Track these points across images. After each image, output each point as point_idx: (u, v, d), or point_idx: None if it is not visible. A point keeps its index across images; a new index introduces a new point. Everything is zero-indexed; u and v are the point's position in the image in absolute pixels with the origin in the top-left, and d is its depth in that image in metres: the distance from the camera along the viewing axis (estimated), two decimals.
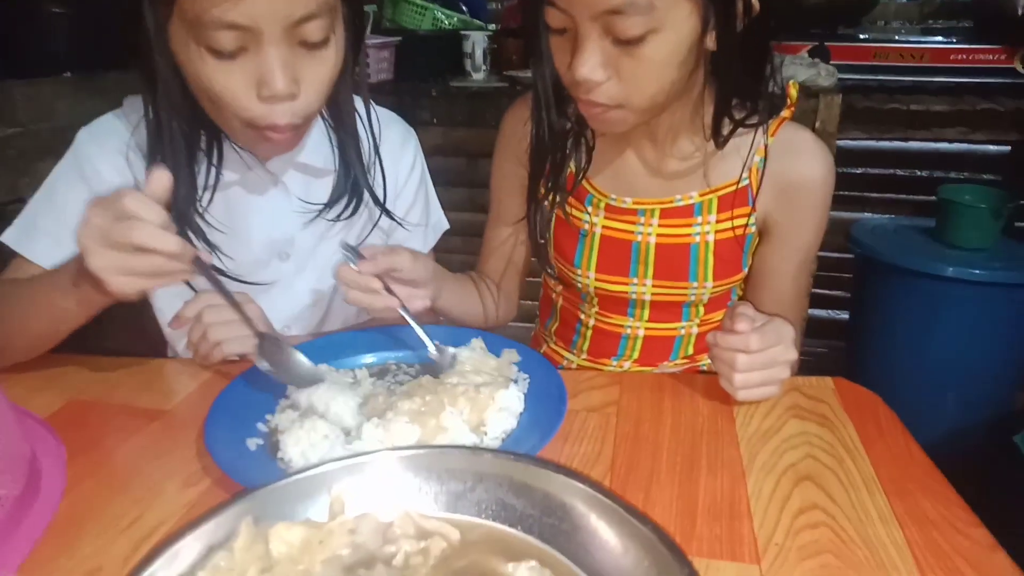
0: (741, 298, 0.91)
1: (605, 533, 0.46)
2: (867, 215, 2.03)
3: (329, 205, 0.82)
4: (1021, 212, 1.88)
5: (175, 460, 0.61)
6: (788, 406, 0.67)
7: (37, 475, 0.59)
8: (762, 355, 0.64)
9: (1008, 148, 1.93)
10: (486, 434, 0.61)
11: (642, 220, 0.85)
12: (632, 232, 0.85)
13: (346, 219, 0.83)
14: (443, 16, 2.00)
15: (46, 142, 0.82)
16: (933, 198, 1.78)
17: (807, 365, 0.93)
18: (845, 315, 2.04)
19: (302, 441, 0.58)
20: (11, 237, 0.77)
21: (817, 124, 1.72)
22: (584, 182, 0.86)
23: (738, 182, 0.82)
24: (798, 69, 1.70)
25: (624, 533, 0.45)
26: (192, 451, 0.62)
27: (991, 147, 1.95)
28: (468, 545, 0.49)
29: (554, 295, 0.98)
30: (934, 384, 1.77)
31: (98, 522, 0.55)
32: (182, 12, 0.63)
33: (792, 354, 0.66)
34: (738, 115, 0.77)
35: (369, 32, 1.97)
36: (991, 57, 1.74)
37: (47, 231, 0.76)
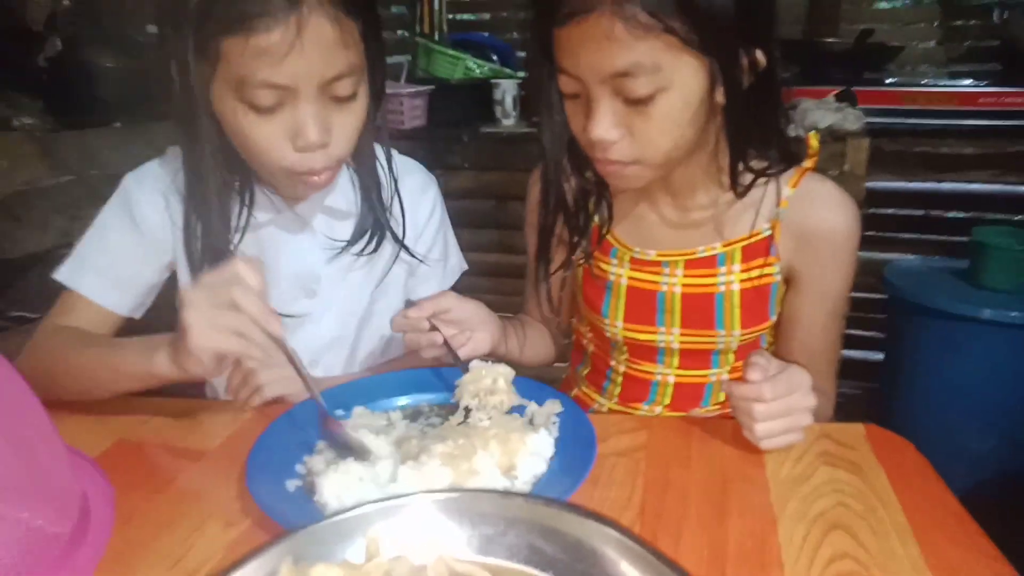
0: (771, 344, 0.91)
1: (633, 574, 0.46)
2: (899, 256, 2.01)
3: (352, 242, 0.88)
4: None
5: (217, 500, 0.63)
6: (818, 452, 0.67)
7: (87, 514, 0.61)
8: (779, 403, 0.64)
9: None
10: (517, 478, 0.62)
11: (667, 271, 0.86)
12: (658, 283, 0.87)
13: (368, 255, 0.89)
14: (474, 65, 2.06)
15: (96, 189, 0.88)
16: (965, 239, 1.77)
17: (840, 408, 0.93)
18: (879, 356, 2.01)
19: (338, 484, 0.60)
20: (64, 274, 0.83)
21: (845, 167, 1.73)
22: (609, 236, 0.89)
23: (760, 232, 0.83)
24: (825, 114, 1.72)
25: (651, 573, 0.45)
26: (233, 492, 0.64)
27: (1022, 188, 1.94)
28: None
29: (585, 341, 1.00)
30: (971, 426, 1.73)
31: (144, 561, 0.57)
32: (227, 72, 0.69)
33: (811, 401, 0.66)
34: (756, 165, 0.78)
35: (404, 81, 2.06)
36: (1020, 100, 1.74)
37: (97, 267, 0.83)
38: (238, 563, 0.47)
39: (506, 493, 0.57)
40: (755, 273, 0.83)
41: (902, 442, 0.70)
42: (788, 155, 0.81)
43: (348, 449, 0.65)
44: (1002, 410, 1.70)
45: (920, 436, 1.92)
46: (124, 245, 0.84)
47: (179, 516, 0.62)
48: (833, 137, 1.71)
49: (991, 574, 0.52)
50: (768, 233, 0.83)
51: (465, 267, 1.03)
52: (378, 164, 0.89)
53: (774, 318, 0.86)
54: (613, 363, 0.95)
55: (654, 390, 0.92)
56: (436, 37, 2.24)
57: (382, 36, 0.80)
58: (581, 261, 0.90)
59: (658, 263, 0.86)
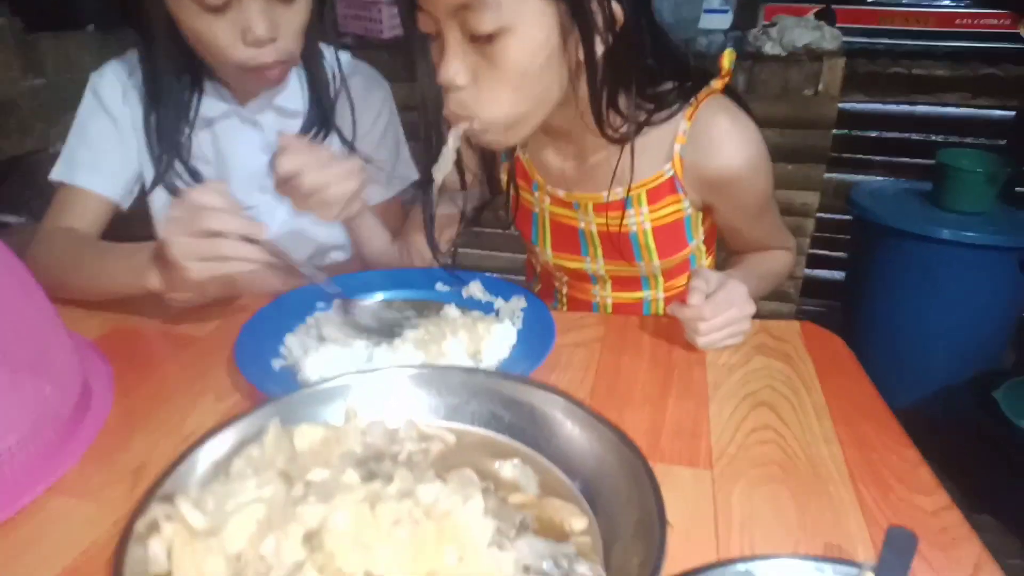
0: (708, 254, 0.94)
1: (578, 437, 0.54)
2: (868, 178, 2.07)
3: (303, 134, 0.93)
4: (1020, 177, 1.92)
5: (209, 378, 0.69)
6: (756, 344, 0.75)
7: (88, 389, 0.68)
8: (719, 319, 0.70)
9: (1013, 113, 1.95)
10: (482, 361, 0.69)
11: (579, 211, 0.87)
12: (576, 219, 0.88)
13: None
14: None
15: (72, 93, 0.91)
16: (934, 162, 1.82)
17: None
18: (840, 275, 2.10)
19: (319, 362, 0.66)
20: (58, 173, 0.91)
21: (820, 87, 1.76)
22: (529, 169, 0.90)
23: (663, 174, 0.81)
24: (803, 32, 1.73)
25: (593, 437, 0.52)
26: (224, 371, 0.70)
27: (996, 112, 1.97)
28: (463, 447, 0.57)
29: (533, 260, 1.04)
30: (926, 343, 1.84)
31: (144, 428, 0.63)
32: None
33: (749, 308, 0.72)
34: (638, 115, 0.76)
35: None
36: (996, 22, 1.76)
37: (85, 160, 0.91)
38: (231, 421, 0.54)
39: (470, 369, 0.63)
40: (666, 211, 0.84)
41: (832, 337, 0.77)
42: (692, 87, 0.78)
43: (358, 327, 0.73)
44: (958, 327, 1.80)
45: (880, 351, 2.04)
46: (104, 136, 0.91)
47: (174, 392, 0.68)
48: (810, 56, 1.73)
49: (892, 445, 0.60)
50: (671, 174, 0.81)
51: (414, 177, 1.05)
52: (326, 64, 0.94)
53: (693, 243, 0.88)
54: (557, 284, 1.00)
55: (596, 309, 0.98)
56: None
57: None
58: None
59: (569, 203, 0.88)
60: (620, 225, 0.85)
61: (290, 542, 0.44)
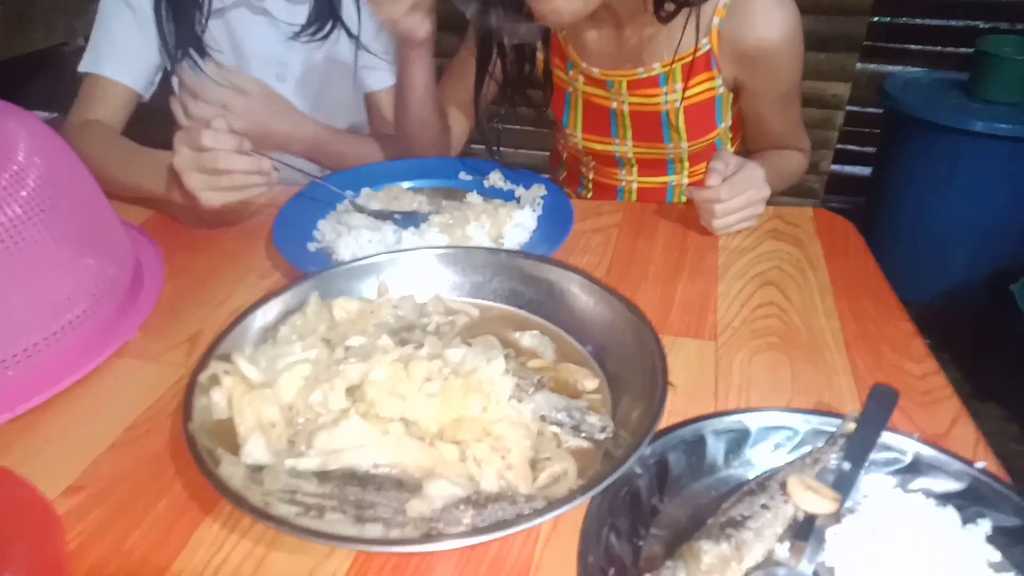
0: (733, 141, 0.97)
1: (591, 309, 0.58)
2: (903, 68, 2.00)
3: (307, 25, 0.94)
4: None
5: (251, 259, 0.75)
6: (768, 229, 0.77)
7: (140, 267, 0.73)
8: (735, 201, 0.73)
9: None
10: (503, 244, 0.72)
11: (612, 90, 0.89)
12: (608, 99, 0.90)
13: (321, 39, 0.95)
14: None
15: None
16: (974, 50, 1.75)
17: None
18: (869, 171, 2.07)
19: (351, 244, 0.71)
20: (86, 65, 0.94)
21: None
22: (565, 48, 0.90)
23: (700, 48, 0.83)
24: None
25: (605, 308, 0.57)
26: (263, 253, 0.75)
27: None
28: (486, 320, 0.62)
29: (560, 147, 1.06)
30: (949, 238, 1.83)
31: (195, 301, 0.69)
32: None
33: (765, 192, 0.74)
34: None
35: None
36: None
37: (109, 51, 0.94)
38: (275, 292, 0.59)
39: (493, 249, 0.67)
40: (698, 90, 0.86)
41: (843, 222, 0.79)
42: None
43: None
44: (981, 222, 1.79)
45: (901, 246, 2.03)
46: (125, 26, 0.94)
47: (219, 271, 0.74)
48: None
49: (890, 318, 0.63)
50: (707, 48, 0.83)
51: None
52: None
53: (722, 125, 0.90)
54: (583, 170, 1.03)
55: (621, 194, 1.00)
56: None
57: None
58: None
59: (603, 81, 0.89)
60: (654, 103, 0.87)
61: (335, 394, 0.50)
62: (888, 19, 1.95)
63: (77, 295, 0.61)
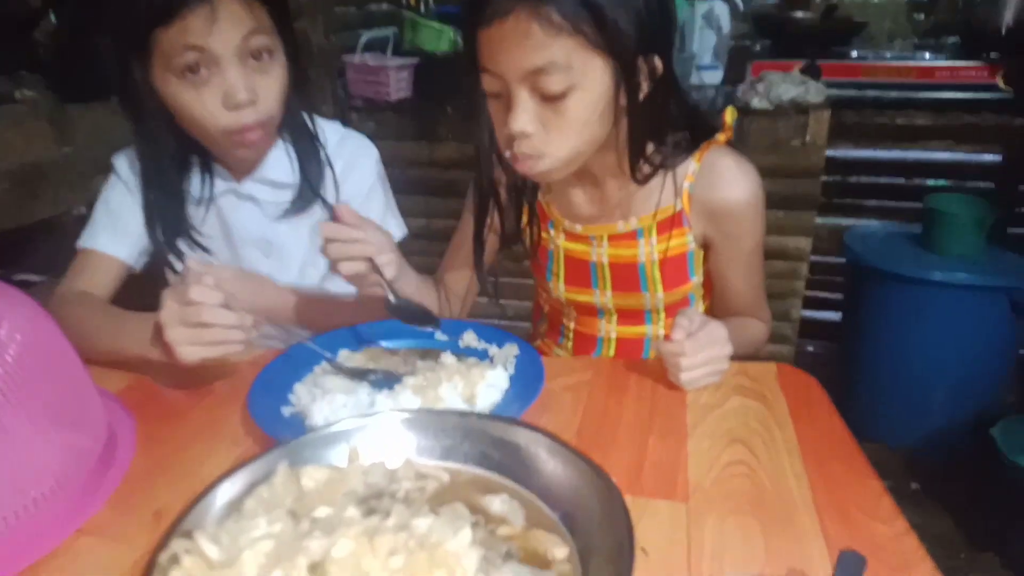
0: (704, 299, 1.03)
1: (560, 473, 0.58)
2: (861, 222, 2.13)
3: (292, 206, 1.01)
4: (1009, 219, 1.97)
5: (225, 426, 0.75)
6: (733, 385, 0.79)
7: (114, 438, 0.73)
8: (700, 356, 0.76)
9: (999, 157, 2.01)
10: (476, 405, 0.74)
11: (594, 243, 0.98)
12: (588, 253, 0.99)
13: (309, 216, 1.02)
14: (459, 39, 2.14)
15: (98, 161, 1.01)
16: (923, 206, 1.88)
17: (801, 364, 1.03)
18: (838, 316, 2.14)
19: (326, 409, 0.71)
20: (84, 241, 1.00)
21: (807, 138, 1.83)
22: (547, 210, 1.01)
23: (672, 207, 0.92)
24: (789, 87, 1.81)
25: (573, 472, 0.57)
26: (238, 419, 0.76)
27: (983, 156, 2.04)
28: (456, 485, 0.62)
29: (542, 301, 1.12)
30: (923, 383, 1.86)
31: (164, 474, 0.69)
32: (161, 57, 0.83)
33: (728, 350, 0.78)
34: (655, 158, 0.87)
35: (390, 54, 2.14)
36: (974, 74, 1.83)
37: (105, 227, 1.00)
38: (243, 464, 0.59)
39: (463, 412, 0.68)
40: (671, 243, 0.94)
41: (807, 379, 0.82)
42: (700, 135, 0.90)
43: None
44: (952, 367, 1.82)
45: (876, 393, 2.06)
46: (122, 204, 1.00)
47: (192, 440, 0.74)
48: (796, 109, 1.81)
49: (857, 478, 0.64)
50: (679, 208, 0.92)
51: (404, 232, 1.12)
52: (312, 135, 1.02)
53: (695, 279, 0.97)
54: (565, 320, 1.07)
55: (600, 344, 1.04)
56: (422, 9, 2.31)
57: (287, 7, 0.94)
58: (513, 245, 1.02)
59: (586, 236, 0.98)
60: (632, 255, 0.95)
61: (296, 572, 0.49)
62: (841, 178, 2.11)
63: (45, 472, 0.61)
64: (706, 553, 0.55)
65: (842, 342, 2.08)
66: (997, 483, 1.57)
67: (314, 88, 2.12)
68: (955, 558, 1.52)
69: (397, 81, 2.08)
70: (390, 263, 0.83)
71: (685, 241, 0.94)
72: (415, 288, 0.97)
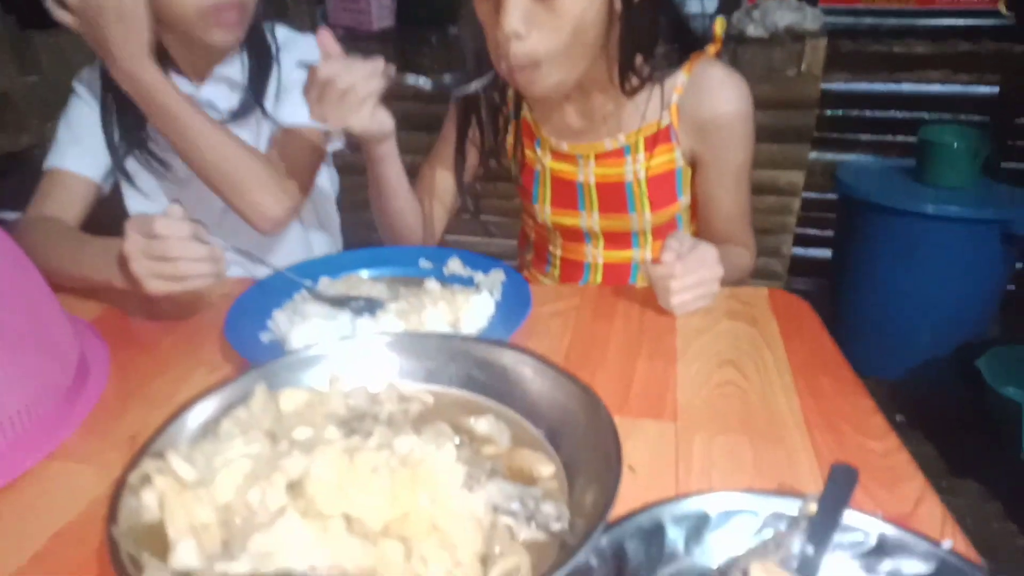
0: (691, 223, 1.01)
1: (546, 391, 0.57)
2: (853, 156, 2.09)
3: (236, 114, 0.98)
4: (1003, 152, 1.94)
5: (201, 353, 0.73)
6: (724, 310, 0.78)
7: (85, 366, 0.71)
8: (690, 278, 0.74)
9: (996, 89, 1.97)
10: (460, 330, 0.72)
11: (581, 163, 0.95)
12: (575, 173, 0.96)
13: (244, 118, 0.99)
14: None
15: (65, 90, 0.96)
16: (917, 139, 1.84)
17: None
18: (828, 254, 2.12)
19: (304, 335, 0.69)
20: (50, 162, 0.97)
21: (803, 67, 1.78)
22: (534, 127, 0.97)
23: (660, 122, 0.89)
24: (785, 13, 1.75)
25: (559, 390, 0.56)
26: (215, 346, 0.74)
27: (979, 88, 1.99)
28: (441, 407, 0.60)
29: (528, 228, 1.10)
30: (912, 316, 1.87)
31: (139, 400, 0.67)
32: None
33: (718, 272, 0.76)
34: (643, 70, 0.84)
35: None
36: None
37: (69, 145, 0.97)
38: (218, 386, 0.57)
39: (447, 334, 0.66)
40: (659, 160, 0.91)
41: (799, 302, 0.80)
42: (689, 46, 0.87)
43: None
44: (941, 300, 1.83)
45: (866, 326, 2.06)
46: (84, 122, 0.97)
47: (167, 366, 0.71)
48: (792, 37, 1.75)
49: (848, 395, 0.63)
50: (668, 122, 0.89)
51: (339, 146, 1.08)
52: (268, 39, 0.99)
53: (682, 199, 0.95)
54: (551, 247, 1.05)
55: (587, 271, 1.02)
56: None
57: None
58: (492, 164, 1.00)
59: (573, 156, 0.95)
60: (619, 174, 0.92)
61: (274, 490, 0.47)
62: (836, 112, 2.06)
63: (13, 396, 0.59)
64: (694, 469, 0.54)
65: (831, 279, 2.07)
66: (982, 413, 1.59)
67: (291, 15, 2.03)
68: (936, 485, 1.55)
69: (379, 9, 1.99)
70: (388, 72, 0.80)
71: (672, 158, 0.91)
72: (403, 179, 0.93)
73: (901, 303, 1.87)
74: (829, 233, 2.16)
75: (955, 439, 1.65)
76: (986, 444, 1.58)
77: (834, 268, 2.08)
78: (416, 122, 2.10)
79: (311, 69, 0.77)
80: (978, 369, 1.59)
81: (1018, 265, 1.93)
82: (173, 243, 0.69)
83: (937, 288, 1.82)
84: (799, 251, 2.13)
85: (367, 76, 0.77)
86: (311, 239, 1.15)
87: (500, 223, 1.85)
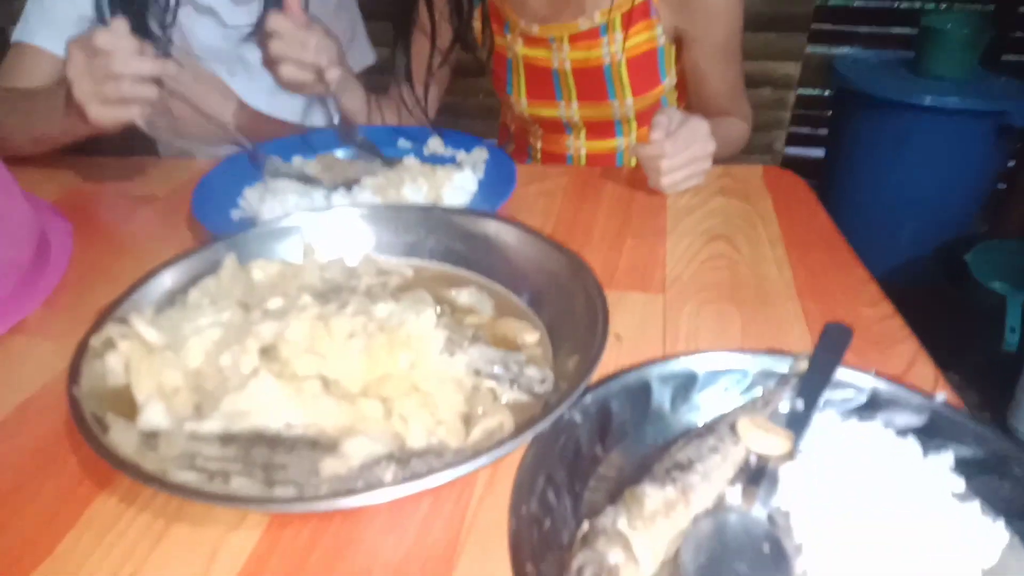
0: (678, 101, 0.95)
1: (530, 260, 0.54)
2: (852, 50, 2.01)
3: (258, 25, 0.88)
4: (1004, 44, 1.87)
5: (169, 232, 0.69)
6: (716, 187, 0.75)
7: (47, 245, 0.67)
8: (681, 156, 0.70)
9: None
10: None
11: (555, 47, 0.87)
12: (549, 59, 0.89)
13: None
14: None
15: None
16: (918, 30, 1.77)
17: None
18: (821, 153, 2.08)
19: (276, 210, 0.66)
20: (16, 35, 0.89)
21: None
22: (501, 8, 0.89)
23: None
24: None
25: (544, 258, 0.53)
26: (183, 225, 0.70)
27: None
28: (420, 280, 0.58)
29: (507, 119, 1.04)
30: (901, 212, 1.85)
31: (104, 278, 0.63)
32: None
33: (710, 146, 0.71)
34: None
35: None
36: None
37: (41, 20, 0.88)
38: (185, 254, 0.54)
39: (426, 205, 0.63)
40: (639, 40, 0.85)
41: (793, 178, 0.77)
42: None
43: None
44: (931, 195, 1.80)
45: (855, 223, 2.04)
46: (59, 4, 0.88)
47: (134, 245, 0.68)
48: None
49: (843, 266, 0.61)
50: None
51: (373, 59, 1.03)
52: None
53: (666, 80, 0.88)
54: (531, 139, 1.00)
55: (570, 162, 0.97)
56: None
57: None
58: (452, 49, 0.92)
59: (545, 40, 0.87)
60: (596, 57, 0.85)
61: (247, 355, 0.45)
62: (835, 3, 1.97)
63: None
64: (681, 337, 0.52)
65: (823, 178, 2.04)
66: (967, 308, 1.60)
67: None
68: None
69: None
70: (333, 76, 0.76)
71: (653, 35, 0.85)
72: (362, 105, 0.89)
73: (891, 198, 1.85)
74: (822, 132, 2.12)
75: (939, 334, 1.66)
76: (969, 338, 1.60)
77: (826, 168, 2.04)
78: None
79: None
80: (964, 264, 1.58)
81: (1010, 164, 1.90)
82: (116, 58, 0.63)
83: (928, 183, 1.80)
84: (791, 151, 2.08)
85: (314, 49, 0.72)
86: None
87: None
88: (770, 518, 0.37)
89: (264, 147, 0.78)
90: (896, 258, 1.86)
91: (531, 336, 0.51)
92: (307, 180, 0.72)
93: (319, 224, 0.59)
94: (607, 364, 0.48)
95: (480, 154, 0.77)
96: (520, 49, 0.90)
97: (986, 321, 1.51)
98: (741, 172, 0.78)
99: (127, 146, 0.85)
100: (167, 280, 0.52)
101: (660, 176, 0.71)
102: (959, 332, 1.63)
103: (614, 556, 0.33)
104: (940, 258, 1.71)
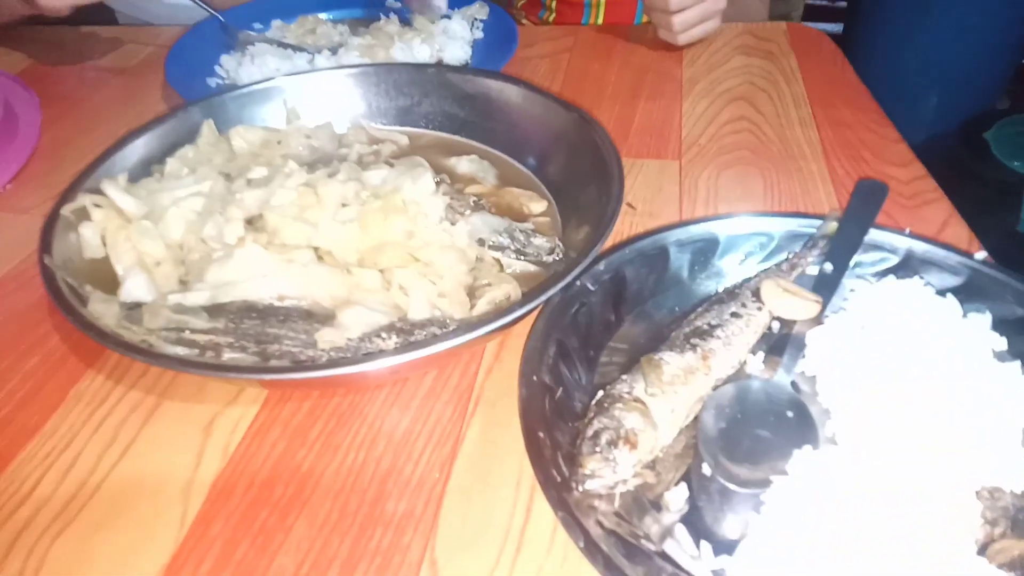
0: None
1: (536, 121, 0.50)
2: None
3: None
4: None
5: (142, 104, 0.64)
6: (737, 45, 0.69)
7: (14, 117, 0.62)
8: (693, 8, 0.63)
9: None
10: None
11: None
12: None
13: None
14: None
15: None
16: None
17: None
18: (839, 28, 1.96)
19: (256, 75, 0.60)
20: None
21: None
22: None
23: None
24: None
25: (551, 118, 0.49)
26: (158, 96, 0.65)
27: None
28: (416, 148, 0.54)
29: None
30: (923, 87, 1.76)
31: (75, 153, 0.59)
32: None
33: None
34: None
35: None
36: None
37: None
38: (158, 120, 0.49)
39: (420, 64, 0.58)
40: None
41: (818, 35, 0.71)
42: None
43: None
44: (953, 70, 1.71)
45: (876, 92, 1.95)
46: None
47: (105, 119, 0.63)
48: None
49: (871, 125, 0.56)
50: None
51: None
52: None
53: None
54: None
55: (587, 11, 0.89)
56: None
57: None
58: None
59: None
60: None
61: (232, 225, 0.42)
62: None
63: None
64: (699, 202, 0.49)
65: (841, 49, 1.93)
66: (986, 185, 1.55)
67: None
68: None
69: None
70: None
71: None
72: None
73: (914, 68, 1.75)
74: (841, 4, 1.98)
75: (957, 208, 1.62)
76: (986, 213, 1.56)
77: (845, 39, 1.92)
78: None
79: None
80: (985, 141, 1.52)
81: None
82: None
83: (950, 56, 1.69)
84: (808, 25, 1.95)
85: None
86: None
87: None
88: (793, 384, 0.35)
89: (240, 9, 0.71)
90: (917, 133, 1.79)
91: (538, 205, 0.47)
92: (288, 46, 0.66)
93: (303, 87, 0.54)
94: (620, 234, 0.45)
95: (477, 10, 0.70)
96: None
97: (1004, 200, 1.47)
98: (763, 30, 0.71)
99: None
100: (140, 148, 0.48)
101: (671, 18, 0.64)
102: (980, 209, 1.59)
103: (631, 421, 0.31)
104: (960, 133, 1.64)
